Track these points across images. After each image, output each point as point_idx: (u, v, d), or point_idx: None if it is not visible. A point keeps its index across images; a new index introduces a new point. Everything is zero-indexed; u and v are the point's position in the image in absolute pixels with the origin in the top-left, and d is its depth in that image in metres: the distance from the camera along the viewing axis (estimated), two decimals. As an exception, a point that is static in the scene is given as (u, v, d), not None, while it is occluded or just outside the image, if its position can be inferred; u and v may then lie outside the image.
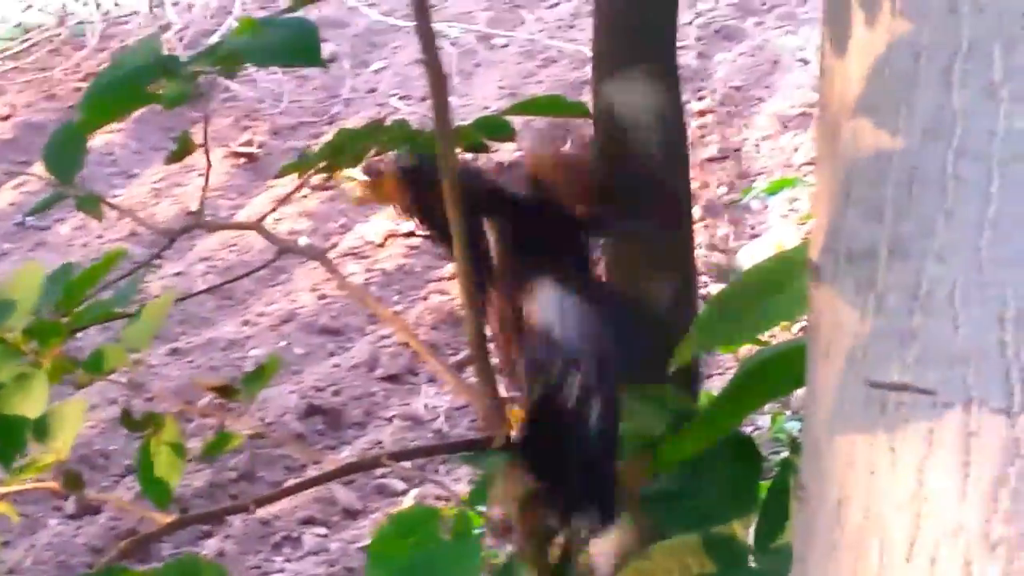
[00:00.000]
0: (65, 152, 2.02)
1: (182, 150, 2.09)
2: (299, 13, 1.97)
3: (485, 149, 1.96)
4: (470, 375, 1.91)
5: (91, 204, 2.03)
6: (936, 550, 1.22)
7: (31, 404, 1.70)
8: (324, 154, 2.01)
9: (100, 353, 1.78)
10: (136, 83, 1.91)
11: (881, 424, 1.24)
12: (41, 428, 1.69)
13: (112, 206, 2.11)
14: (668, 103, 2.51)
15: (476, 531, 1.63)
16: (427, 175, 1.70)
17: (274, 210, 2.34)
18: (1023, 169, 1.18)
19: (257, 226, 2.11)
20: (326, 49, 5.06)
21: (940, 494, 1.21)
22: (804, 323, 1.47)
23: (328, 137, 7.65)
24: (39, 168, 7.69)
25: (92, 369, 1.77)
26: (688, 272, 2.60)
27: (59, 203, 2.06)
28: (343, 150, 2.02)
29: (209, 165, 2.09)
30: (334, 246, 6.29)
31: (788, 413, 4.80)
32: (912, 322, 1.22)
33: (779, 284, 1.52)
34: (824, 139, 1.30)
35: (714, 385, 3.86)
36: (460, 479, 4.28)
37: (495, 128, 1.97)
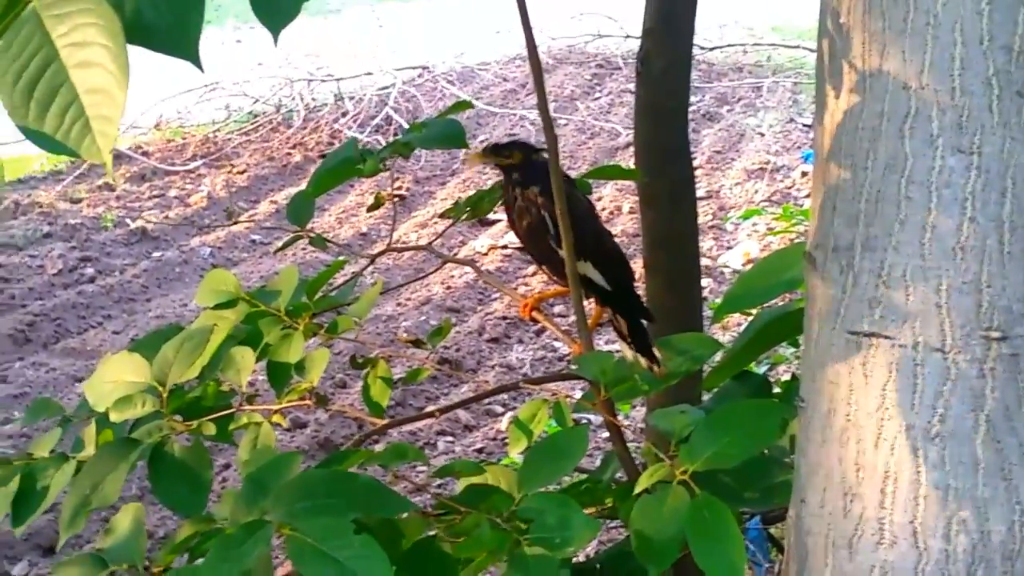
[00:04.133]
0: (301, 209, 2.03)
1: (377, 203, 2.10)
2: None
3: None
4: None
5: (319, 241, 2.05)
6: (894, 440, 1.21)
7: (292, 353, 1.72)
8: (470, 202, 2.01)
9: (336, 321, 1.79)
10: (347, 165, 1.95)
11: (858, 358, 1.22)
12: (300, 367, 1.70)
13: (327, 241, 2.09)
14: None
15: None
16: None
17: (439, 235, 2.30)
18: (950, 192, 1.17)
19: (426, 247, 2.10)
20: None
21: (897, 404, 1.20)
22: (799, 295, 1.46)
23: (452, 184, 7.49)
24: (263, 206, 7.68)
25: (331, 331, 1.78)
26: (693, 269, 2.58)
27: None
28: (480, 200, 2.03)
29: (396, 214, 2.07)
30: (456, 254, 6.29)
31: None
32: (878, 292, 1.21)
33: (783, 269, 1.50)
34: (818, 173, 1.28)
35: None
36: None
37: (582, 184, 1.97)
